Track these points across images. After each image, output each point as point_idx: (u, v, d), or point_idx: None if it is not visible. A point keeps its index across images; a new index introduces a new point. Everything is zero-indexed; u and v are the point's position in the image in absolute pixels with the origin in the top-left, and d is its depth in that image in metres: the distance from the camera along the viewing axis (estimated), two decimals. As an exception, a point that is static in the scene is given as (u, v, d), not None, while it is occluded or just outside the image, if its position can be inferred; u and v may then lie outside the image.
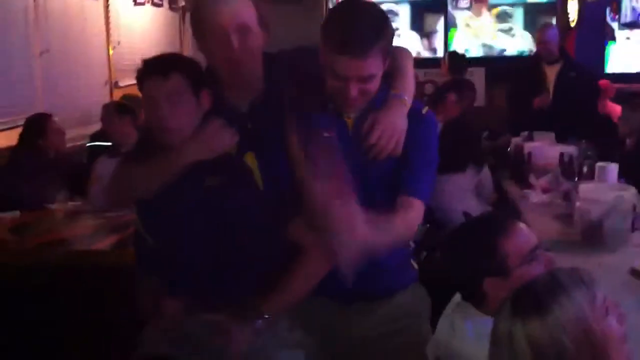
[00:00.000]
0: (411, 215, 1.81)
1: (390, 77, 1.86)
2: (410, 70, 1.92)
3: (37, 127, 4.32)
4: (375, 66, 1.73)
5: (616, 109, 5.79)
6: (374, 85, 1.78)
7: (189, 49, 8.02)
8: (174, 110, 1.72)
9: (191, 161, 1.73)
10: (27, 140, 4.31)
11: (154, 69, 1.77)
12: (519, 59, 8.29)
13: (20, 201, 3.84)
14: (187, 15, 7.94)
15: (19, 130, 4.47)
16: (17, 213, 3.77)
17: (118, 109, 4.41)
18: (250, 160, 1.82)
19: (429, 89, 6.73)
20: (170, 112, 1.71)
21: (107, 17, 6.08)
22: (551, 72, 5.27)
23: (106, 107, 4.54)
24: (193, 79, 1.76)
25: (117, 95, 6.00)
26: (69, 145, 4.72)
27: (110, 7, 6.12)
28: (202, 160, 1.74)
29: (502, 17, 8.49)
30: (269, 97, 1.84)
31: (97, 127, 5.04)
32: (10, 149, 4.37)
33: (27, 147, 4.27)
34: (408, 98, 1.85)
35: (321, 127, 1.77)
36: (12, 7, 4.77)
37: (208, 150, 1.74)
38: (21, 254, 3.27)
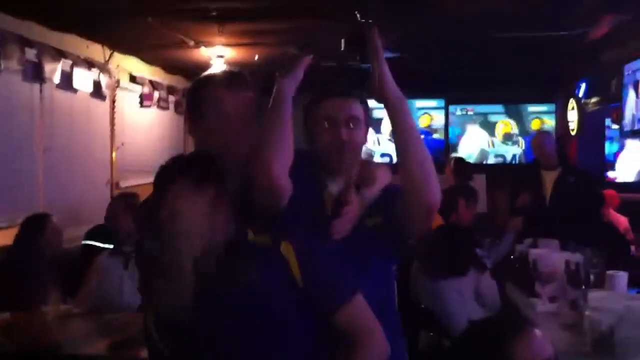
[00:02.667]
0: None
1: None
2: (380, 184, 2.01)
3: (36, 226, 4.27)
4: (358, 110, 1.96)
5: (621, 221, 5.77)
6: (359, 136, 1.97)
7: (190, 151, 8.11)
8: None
9: None
10: (24, 240, 4.25)
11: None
12: (520, 165, 8.41)
13: (11, 302, 3.75)
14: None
15: (14, 229, 4.43)
16: (7, 315, 3.67)
17: (126, 204, 4.36)
18: (289, 251, 1.71)
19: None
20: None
21: (112, 118, 6.16)
22: (549, 178, 5.28)
23: (114, 201, 4.50)
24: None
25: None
26: (66, 244, 4.66)
27: (117, 108, 6.20)
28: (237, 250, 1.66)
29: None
30: None
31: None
32: (5, 248, 4.30)
33: (24, 247, 4.20)
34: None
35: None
36: (18, 103, 4.84)
37: None
38: (6, 357, 3.15)
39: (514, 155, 8.79)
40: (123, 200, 4.45)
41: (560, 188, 5.19)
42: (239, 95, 1.86)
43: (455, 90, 8.41)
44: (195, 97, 1.92)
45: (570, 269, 3.85)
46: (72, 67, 5.37)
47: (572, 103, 7.59)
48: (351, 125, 1.93)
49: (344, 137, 1.91)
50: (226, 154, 1.79)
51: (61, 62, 5.21)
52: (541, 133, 6.41)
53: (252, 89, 1.90)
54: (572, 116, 7.55)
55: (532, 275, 4.10)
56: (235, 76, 1.92)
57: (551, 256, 4.12)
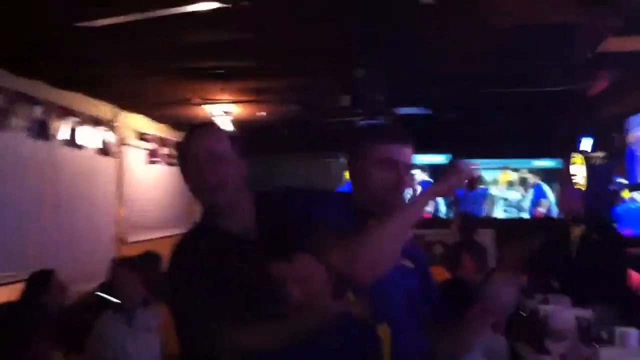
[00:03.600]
0: None
1: None
2: None
3: (41, 282, 4.25)
4: (412, 157, 1.98)
5: (633, 276, 5.69)
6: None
7: (199, 207, 8.11)
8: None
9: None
10: (29, 295, 4.22)
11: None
12: (530, 221, 8.40)
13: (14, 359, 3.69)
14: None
15: (21, 285, 4.41)
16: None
17: (125, 266, 4.35)
18: (384, 333, 1.75)
19: (437, 249, 6.71)
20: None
21: (119, 175, 6.18)
22: (575, 234, 5.17)
23: (114, 263, 4.47)
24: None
25: (125, 251, 5.98)
26: (73, 299, 4.64)
27: (124, 165, 6.23)
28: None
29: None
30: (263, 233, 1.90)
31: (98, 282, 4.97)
32: (6, 305, 4.26)
33: (28, 302, 4.17)
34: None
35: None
36: (28, 161, 4.86)
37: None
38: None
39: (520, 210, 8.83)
40: (121, 263, 4.43)
41: (586, 245, 5.07)
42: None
43: (461, 146, 8.44)
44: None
45: (581, 327, 3.79)
46: (78, 124, 5.42)
47: (577, 158, 7.60)
48: (406, 171, 1.96)
49: (405, 181, 1.94)
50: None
51: (67, 119, 5.26)
52: (569, 188, 6.35)
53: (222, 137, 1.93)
54: (577, 171, 7.55)
55: (543, 332, 4.04)
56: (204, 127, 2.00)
57: (562, 313, 4.06)
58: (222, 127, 2.14)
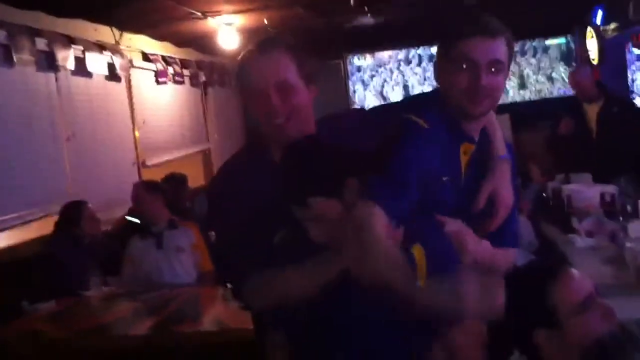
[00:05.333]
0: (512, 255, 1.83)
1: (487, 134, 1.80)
2: (499, 127, 1.84)
3: (72, 215, 4.33)
4: (503, 53, 1.68)
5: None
6: (501, 83, 1.70)
7: (212, 123, 8.11)
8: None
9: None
10: (63, 229, 4.31)
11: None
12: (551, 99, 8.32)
13: (56, 290, 3.82)
14: (209, 90, 8.06)
15: (51, 218, 4.48)
16: (52, 303, 3.74)
17: (148, 188, 4.41)
18: (418, 254, 1.57)
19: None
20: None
21: (130, 98, 6.16)
22: (592, 111, 5.12)
23: (136, 187, 4.54)
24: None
25: (146, 174, 6.03)
26: (104, 227, 4.73)
27: (133, 88, 6.20)
28: None
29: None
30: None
31: (126, 209, 5.05)
32: (43, 239, 4.35)
33: (63, 235, 4.26)
34: (509, 156, 1.81)
35: (437, 170, 1.68)
36: (36, 95, 4.84)
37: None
38: (59, 343, 3.21)
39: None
40: (144, 186, 4.49)
41: (605, 120, 5.03)
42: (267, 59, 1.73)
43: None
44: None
45: (605, 202, 3.82)
46: (83, 52, 5.36)
47: (590, 32, 7.44)
48: (493, 69, 1.67)
49: (483, 83, 1.65)
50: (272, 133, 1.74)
51: (72, 48, 5.20)
52: (578, 67, 6.26)
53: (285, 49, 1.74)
54: (591, 45, 7.41)
55: (567, 212, 4.08)
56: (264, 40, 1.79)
57: (585, 190, 4.09)
58: (284, 41, 1.79)
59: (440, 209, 1.68)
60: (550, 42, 8.75)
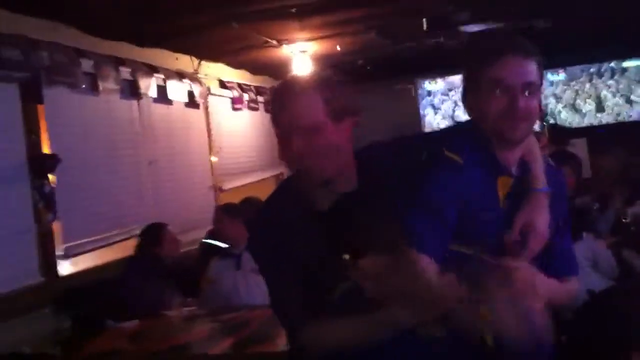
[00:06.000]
0: (573, 286, 1.82)
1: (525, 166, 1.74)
2: (539, 156, 1.78)
3: (153, 237, 4.46)
4: (536, 75, 1.63)
5: None
6: (536, 106, 1.64)
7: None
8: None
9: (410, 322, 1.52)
10: (144, 250, 4.44)
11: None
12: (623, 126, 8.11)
13: (138, 310, 3.94)
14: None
15: (132, 240, 4.64)
16: (135, 322, 3.86)
17: (229, 211, 4.50)
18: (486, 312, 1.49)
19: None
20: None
21: (207, 124, 6.33)
22: None
23: (217, 210, 4.64)
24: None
25: (222, 198, 6.17)
26: (183, 249, 4.87)
27: (210, 115, 6.38)
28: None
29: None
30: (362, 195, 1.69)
31: (203, 232, 5.18)
32: (125, 260, 4.51)
33: (144, 257, 4.40)
34: (546, 188, 1.73)
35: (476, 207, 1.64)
36: (120, 122, 5.04)
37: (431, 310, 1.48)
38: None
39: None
40: (225, 209, 4.59)
41: None
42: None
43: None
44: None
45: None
46: (164, 80, 5.56)
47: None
48: (527, 93, 1.62)
49: (520, 105, 1.60)
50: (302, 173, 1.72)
51: (154, 77, 5.41)
52: None
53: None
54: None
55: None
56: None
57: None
58: (316, 79, 1.72)
59: (480, 243, 1.63)
60: (628, 63, 8.54)
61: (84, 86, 4.60)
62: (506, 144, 1.67)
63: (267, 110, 7.74)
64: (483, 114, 1.65)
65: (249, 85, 7.37)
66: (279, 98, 1.68)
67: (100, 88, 4.78)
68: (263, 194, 6.66)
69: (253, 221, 1.89)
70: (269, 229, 1.76)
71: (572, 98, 8.58)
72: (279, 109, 1.67)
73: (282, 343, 3.28)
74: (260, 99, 7.58)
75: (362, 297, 1.48)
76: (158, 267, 4.33)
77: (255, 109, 7.50)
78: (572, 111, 8.50)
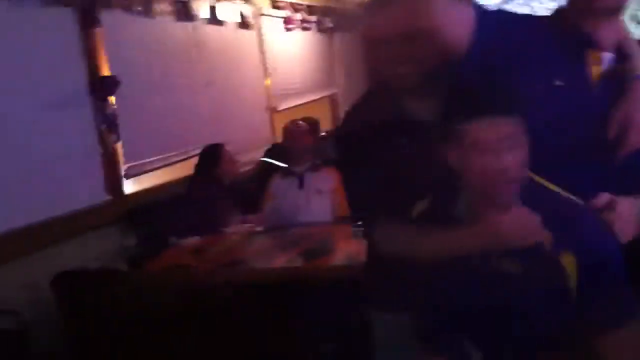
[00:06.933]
0: None
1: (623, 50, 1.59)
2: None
3: (212, 157, 4.55)
4: None
5: None
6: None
7: (339, 68, 8.19)
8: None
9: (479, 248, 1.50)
10: (203, 170, 4.55)
11: None
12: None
13: (199, 227, 4.06)
14: (336, 36, 8.12)
15: (191, 160, 4.75)
16: (197, 238, 3.99)
17: (299, 127, 4.53)
18: (569, 263, 1.44)
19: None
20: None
21: (261, 46, 6.33)
22: None
23: (288, 125, 4.67)
24: None
25: (278, 119, 6.22)
26: (242, 168, 4.96)
27: (263, 36, 6.36)
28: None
29: None
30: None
31: (259, 153, 5.26)
32: (185, 179, 4.63)
33: (204, 177, 4.50)
34: None
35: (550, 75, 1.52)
36: (175, 44, 5.08)
37: (505, 241, 1.46)
38: (204, 275, 3.45)
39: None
40: (293, 126, 4.59)
41: None
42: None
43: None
44: None
45: None
46: (216, 1, 5.54)
47: None
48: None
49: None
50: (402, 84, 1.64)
51: (206, -2, 5.40)
52: None
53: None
54: None
55: None
56: None
57: None
58: None
59: (554, 125, 1.49)
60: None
61: (139, 9, 4.63)
62: (597, 16, 1.55)
63: (319, 30, 7.68)
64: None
65: (302, 5, 7.29)
66: (377, 4, 1.58)
67: (155, 10, 4.80)
68: (318, 114, 6.70)
69: (352, 108, 1.82)
70: (357, 124, 1.75)
71: None
72: (382, 19, 1.55)
73: (341, 257, 3.39)
74: (312, 18, 7.50)
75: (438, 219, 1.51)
76: (217, 186, 4.43)
77: (308, 29, 7.44)
78: None
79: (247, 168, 5.23)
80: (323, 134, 5.94)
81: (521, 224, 1.43)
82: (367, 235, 1.84)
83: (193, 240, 3.98)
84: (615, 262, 1.44)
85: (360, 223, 2.10)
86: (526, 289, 1.46)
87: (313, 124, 5.52)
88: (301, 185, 4.26)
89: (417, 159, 1.59)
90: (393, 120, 1.66)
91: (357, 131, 1.73)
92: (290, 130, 4.53)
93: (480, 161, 1.42)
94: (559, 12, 1.63)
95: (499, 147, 1.40)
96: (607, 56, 1.59)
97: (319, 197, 4.23)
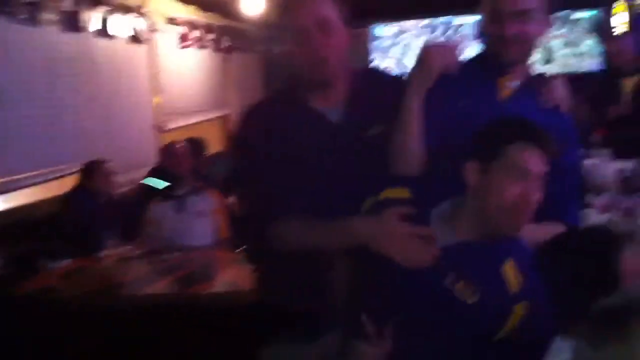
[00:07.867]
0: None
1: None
2: None
3: (87, 171, 4.44)
4: (530, 1, 1.67)
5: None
6: (532, 27, 1.69)
7: (236, 90, 8.13)
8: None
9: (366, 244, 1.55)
10: (81, 184, 4.42)
11: None
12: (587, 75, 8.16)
13: (73, 249, 3.88)
14: (233, 56, 8.06)
15: (69, 178, 4.56)
16: (69, 261, 3.81)
17: (177, 148, 4.44)
18: (510, 271, 1.51)
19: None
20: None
21: (152, 63, 6.18)
22: (629, 85, 4.91)
23: (166, 147, 4.56)
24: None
25: (166, 138, 6.07)
26: (120, 189, 4.79)
27: (156, 52, 6.22)
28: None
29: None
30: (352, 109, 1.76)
31: (144, 172, 5.10)
32: (61, 198, 4.43)
33: (81, 191, 4.37)
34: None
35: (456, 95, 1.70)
36: (60, 56, 4.88)
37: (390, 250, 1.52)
38: (72, 301, 3.27)
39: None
40: (189, 145, 4.51)
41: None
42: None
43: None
44: None
45: (623, 178, 3.78)
46: (107, 14, 5.37)
47: (622, 5, 7.27)
48: (520, 18, 1.67)
49: (508, 33, 1.67)
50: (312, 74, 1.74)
51: (97, 10, 5.22)
52: (622, 35, 6.02)
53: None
54: (621, 19, 7.25)
55: (584, 187, 4.03)
56: None
57: (603, 166, 4.04)
58: None
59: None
60: (579, 14, 8.57)
61: (24, 17, 4.42)
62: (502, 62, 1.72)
63: (215, 49, 7.60)
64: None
65: (200, 22, 7.19)
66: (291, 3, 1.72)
67: (41, 19, 4.60)
68: (209, 135, 6.63)
69: (252, 108, 1.86)
70: (268, 117, 1.79)
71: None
72: (296, 5, 1.70)
73: (220, 283, 3.31)
74: (210, 36, 7.42)
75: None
76: (94, 202, 4.27)
77: (204, 47, 7.34)
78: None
79: (127, 187, 5.06)
80: (210, 154, 5.85)
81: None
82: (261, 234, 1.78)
83: (65, 263, 3.79)
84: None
85: (243, 247, 2.08)
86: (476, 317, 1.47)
87: (196, 145, 5.41)
88: (181, 208, 4.14)
89: (325, 157, 1.70)
90: (300, 119, 1.75)
91: (262, 131, 1.77)
92: (169, 151, 4.43)
93: (515, 187, 1.43)
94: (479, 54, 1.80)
95: (537, 180, 1.44)
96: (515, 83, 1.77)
97: (199, 220, 4.13)
